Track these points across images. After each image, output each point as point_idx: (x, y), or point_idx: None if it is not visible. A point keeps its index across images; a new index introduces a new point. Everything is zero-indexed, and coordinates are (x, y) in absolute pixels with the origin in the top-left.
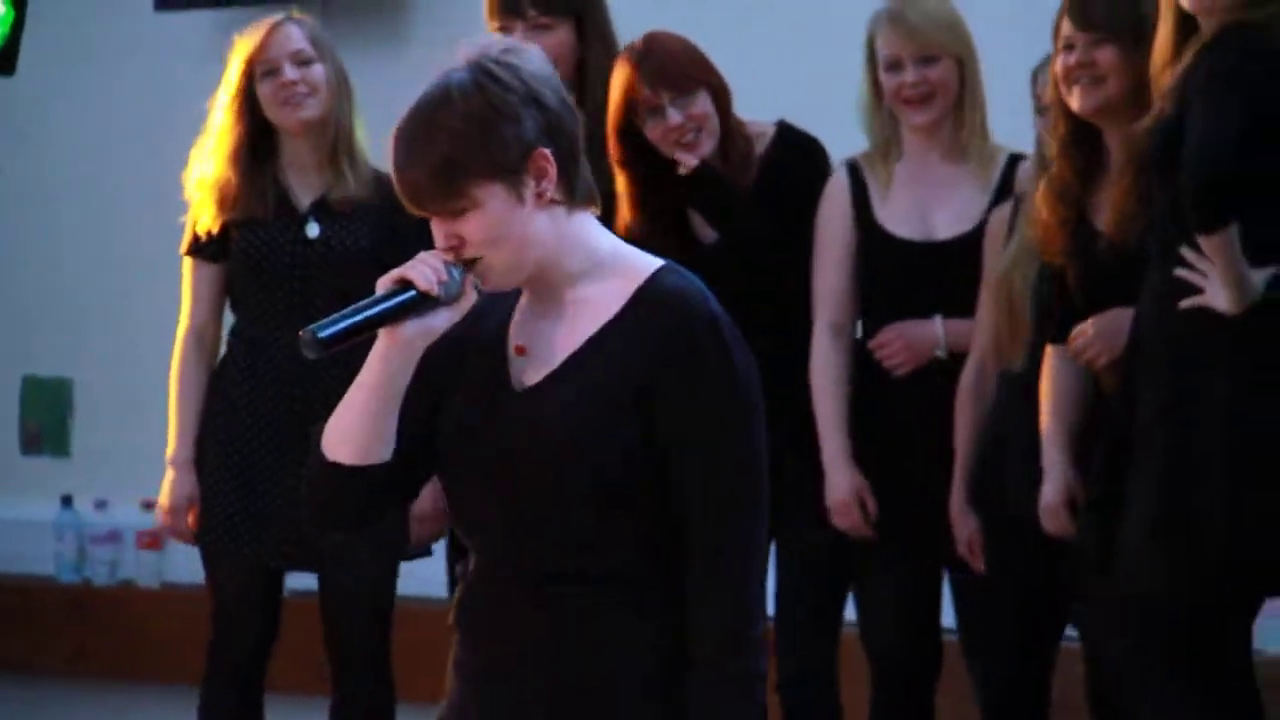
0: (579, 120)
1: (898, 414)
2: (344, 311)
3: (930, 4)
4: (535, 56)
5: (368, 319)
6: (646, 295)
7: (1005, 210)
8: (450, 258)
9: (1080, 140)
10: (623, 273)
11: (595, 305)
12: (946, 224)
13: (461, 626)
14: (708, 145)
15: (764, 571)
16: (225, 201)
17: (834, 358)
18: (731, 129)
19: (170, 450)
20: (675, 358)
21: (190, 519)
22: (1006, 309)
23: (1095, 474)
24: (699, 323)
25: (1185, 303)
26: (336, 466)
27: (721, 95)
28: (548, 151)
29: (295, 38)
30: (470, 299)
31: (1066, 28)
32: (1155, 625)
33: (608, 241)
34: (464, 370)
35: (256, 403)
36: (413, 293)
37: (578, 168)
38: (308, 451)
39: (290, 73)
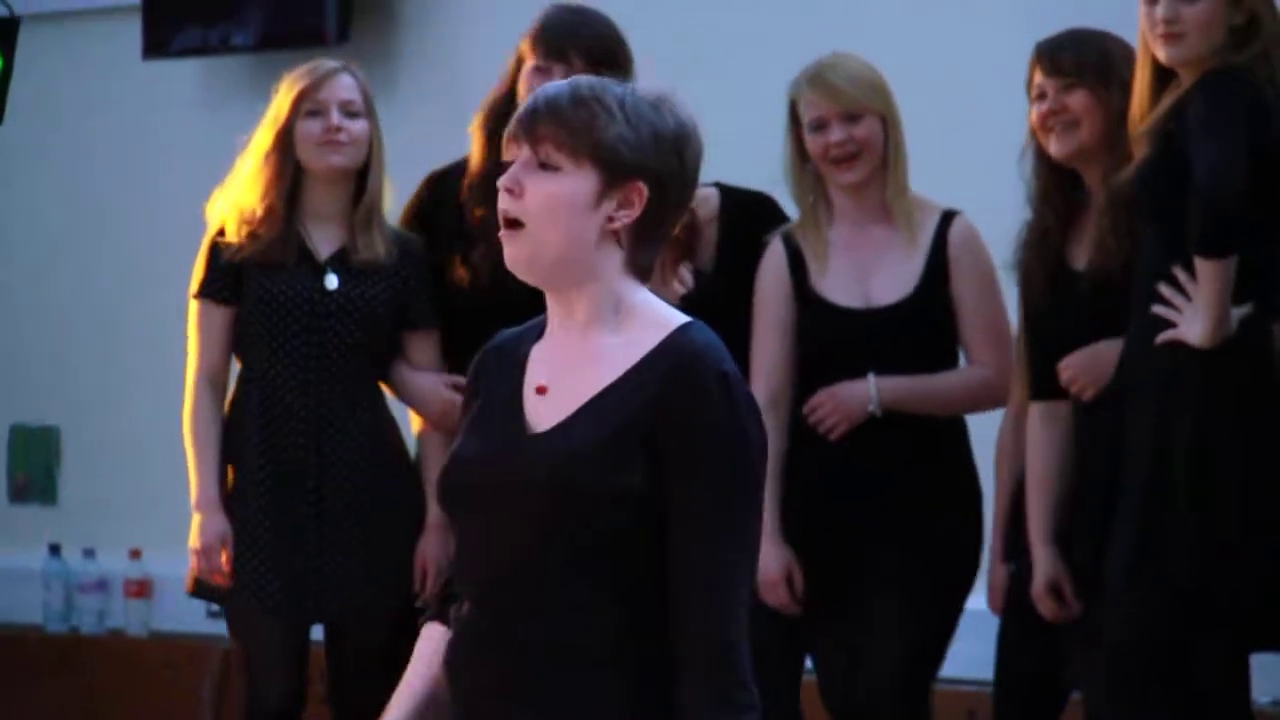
0: (688, 206)
1: (833, 480)
2: None
3: (852, 65)
4: (699, 130)
5: None
6: (668, 347)
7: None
8: (502, 204)
9: (1060, 186)
10: (651, 325)
11: (619, 354)
12: (884, 289)
13: (449, 669)
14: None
15: (748, 601)
16: (258, 231)
17: (769, 433)
18: None
19: (194, 494)
20: (678, 403)
21: (224, 559)
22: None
23: (1081, 539)
24: (709, 374)
25: (1161, 337)
26: None
27: None
28: (645, 191)
29: (348, 87)
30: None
31: (1038, 77)
32: (1134, 666)
33: (645, 299)
34: (481, 404)
35: (272, 451)
36: None
37: (656, 239)
38: (325, 499)
39: (336, 118)
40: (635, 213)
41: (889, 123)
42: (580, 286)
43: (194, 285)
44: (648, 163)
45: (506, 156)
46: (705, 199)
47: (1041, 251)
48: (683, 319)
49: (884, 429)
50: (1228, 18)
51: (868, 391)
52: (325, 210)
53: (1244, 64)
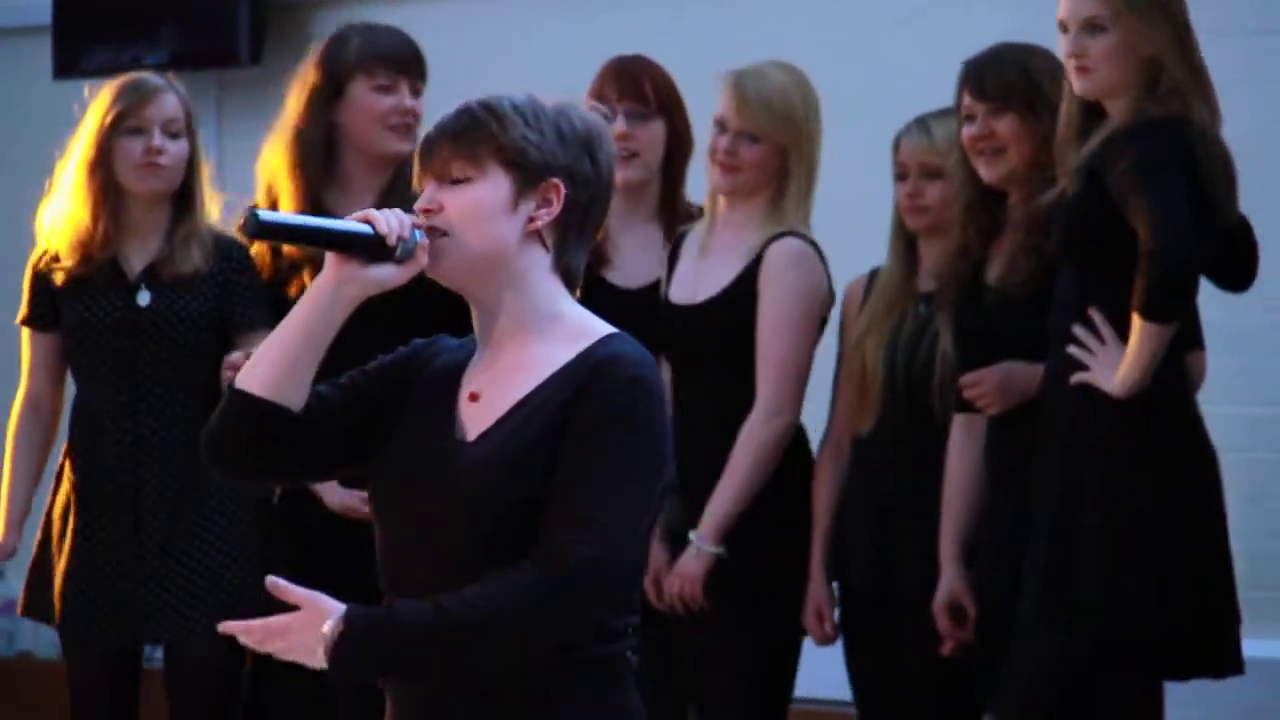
0: (607, 206)
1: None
2: (297, 215)
3: (775, 81)
4: (609, 132)
5: (315, 228)
6: (589, 354)
7: (860, 281)
8: (420, 221)
9: (985, 204)
10: (577, 335)
11: (544, 362)
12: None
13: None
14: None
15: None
16: (75, 254)
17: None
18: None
19: None
20: (585, 401)
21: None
22: (859, 378)
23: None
24: (622, 375)
25: (1075, 378)
26: (240, 393)
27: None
28: (562, 188)
29: (171, 105)
30: (418, 265)
31: (966, 99)
32: (1047, 700)
33: (573, 309)
34: (412, 404)
35: (91, 474)
36: (369, 230)
37: (580, 239)
38: (142, 517)
39: (159, 139)
40: (555, 210)
41: (790, 155)
42: (508, 291)
43: (20, 312)
44: (558, 160)
45: (418, 188)
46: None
47: (960, 266)
48: (608, 329)
49: None
50: (1138, 48)
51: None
52: (142, 227)
53: (1180, 114)
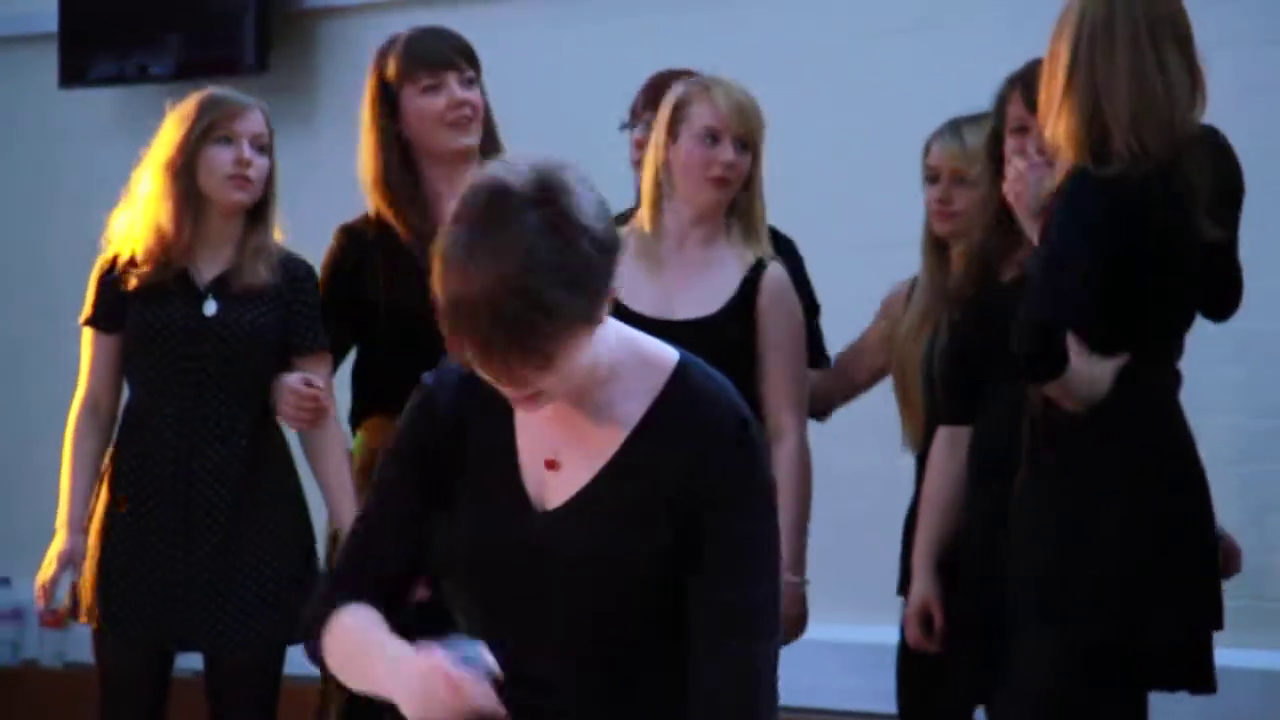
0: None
1: None
2: None
3: (741, 89)
4: (580, 171)
5: None
6: (674, 397)
7: (902, 290)
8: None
9: (1011, 214)
10: (642, 370)
11: (619, 409)
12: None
13: None
14: None
15: (775, 659)
16: (148, 260)
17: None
18: None
19: (60, 515)
20: (707, 473)
21: (69, 580)
22: (903, 392)
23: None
24: (729, 432)
25: (1045, 389)
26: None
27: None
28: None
29: (260, 121)
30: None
31: (1017, 109)
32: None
33: (622, 334)
34: (469, 469)
35: (143, 479)
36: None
37: None
38: (193, 527)
39: (247, 151)
40: (614, 291)
41: (758, 163)
42: (592, 365)
43: (84, 312)
44: (606, 268)
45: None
46: None
47: (974, 273)
48: (673, 356)
49: None
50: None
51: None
52: (216, 239)
53: (1114, 175)
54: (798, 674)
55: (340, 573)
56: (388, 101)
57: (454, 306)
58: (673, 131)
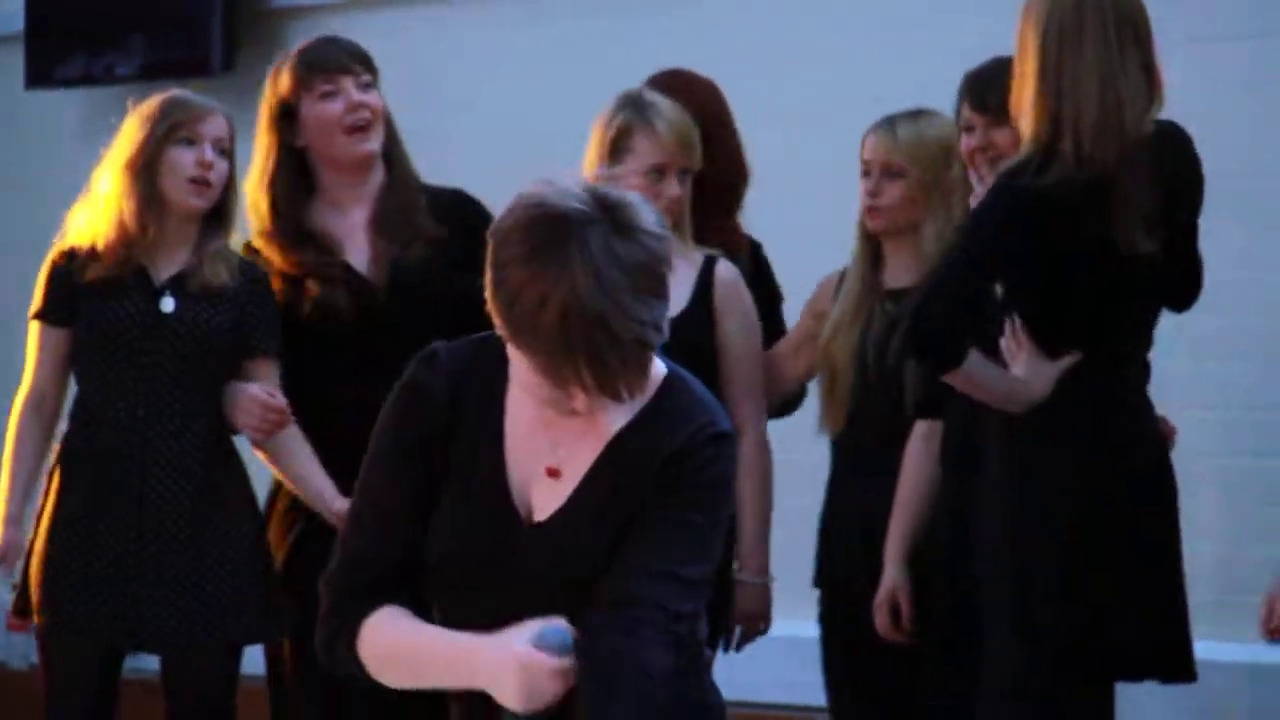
0: None
1: None
2: None
3: (676, 110)
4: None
5: None
6: (657, 409)
7: (832, 281)
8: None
9: None
10: None
11: (603, 420)
12: None
13: None
14: None
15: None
16: (103, 256)
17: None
18: None
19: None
20: (677, 470)
21: (15, 584)
22: (828, 380)
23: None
24: (703, 438)
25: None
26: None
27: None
28: None
29: (223, 125)
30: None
31: (965, 111)
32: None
33: None
34: (453, 464)
35: (95, 475)
36: None
37: None
38: (146, 523)
39: (209, 154)
40: None
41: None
42: None
43: (33, 306)
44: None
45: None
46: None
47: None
48: (662, 370)
49: None
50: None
51: None
52: (173, 239)
53: (1047, 187)
54: (760, 671)
55: (347, 582)
56: (285, 117)
57: (564, 321)
58: (613, 157)
